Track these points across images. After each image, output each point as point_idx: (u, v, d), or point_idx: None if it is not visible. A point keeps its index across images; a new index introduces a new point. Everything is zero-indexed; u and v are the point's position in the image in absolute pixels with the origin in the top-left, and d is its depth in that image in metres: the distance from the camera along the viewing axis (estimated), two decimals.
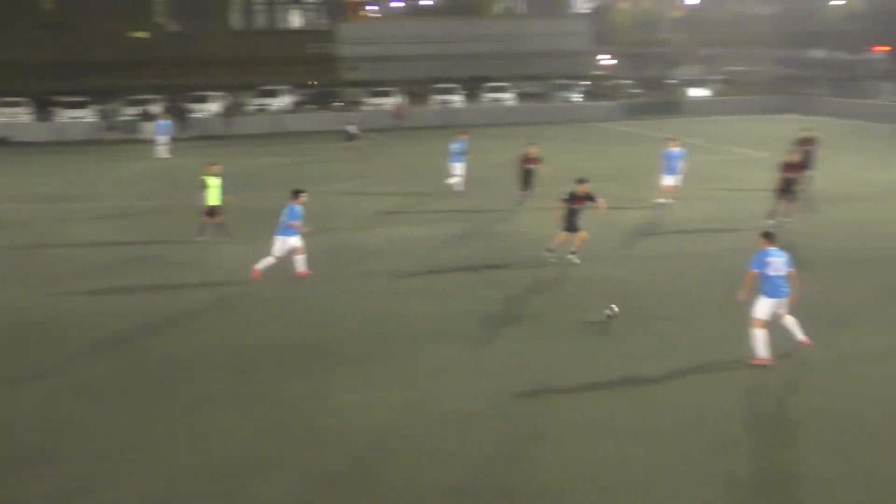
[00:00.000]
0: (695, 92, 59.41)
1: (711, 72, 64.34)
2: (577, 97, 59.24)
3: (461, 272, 18.83)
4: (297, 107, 55.89)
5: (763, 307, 12.98)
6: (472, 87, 59.09)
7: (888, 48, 58.39)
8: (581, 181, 19.13)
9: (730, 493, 9.64)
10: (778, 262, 12.96)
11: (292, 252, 18.21)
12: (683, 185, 25.32)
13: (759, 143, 39.82)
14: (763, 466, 10.19)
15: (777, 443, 10.79)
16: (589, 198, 19.07)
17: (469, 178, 28.35)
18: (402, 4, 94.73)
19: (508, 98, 57.89)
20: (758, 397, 12.20)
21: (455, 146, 28.21)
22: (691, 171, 26.03)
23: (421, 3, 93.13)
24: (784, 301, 13.05)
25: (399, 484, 10.02)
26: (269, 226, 17.61)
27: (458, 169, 28.20)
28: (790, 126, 40.94)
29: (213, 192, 21.63)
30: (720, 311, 15.57)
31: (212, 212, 21.79)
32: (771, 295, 12.96)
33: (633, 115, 53.58)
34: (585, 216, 19.15)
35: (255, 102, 55.59)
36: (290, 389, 12.70)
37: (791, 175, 22.40)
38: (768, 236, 13.34)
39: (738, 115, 53.78)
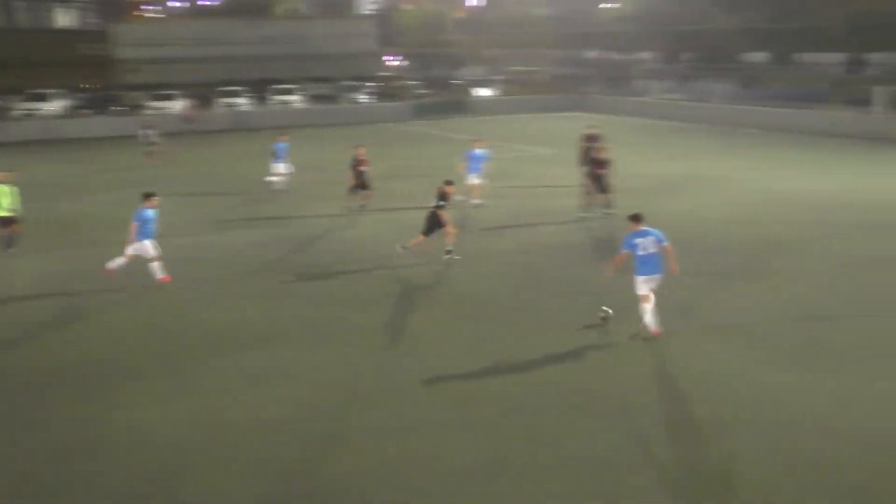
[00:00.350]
0: (480, 92, 60.94)
1: (495, 72, 66.16)
2: (365, 98, 59.40)
3: (268, 276, 18.30)
4: (73, 111, 52.75)
5: (641, 285, 13.68)
6: (260, 89, 57.99)
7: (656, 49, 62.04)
8: (449, 182, 19.07)
9: (538, 482, 9.74)
10: (646, 242, 13.53)
11: (141, 258, 17.42)
12: (486, 184, 25.62)
13: (545, 140, 41.32)
14: (571, 454, 10.34)
15: (589, 431, 11.01)
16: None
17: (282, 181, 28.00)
18: (182, 5, 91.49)
19: (296, 100, 57.25)
20: (566, 385, 12.43)
21: (278, 147, 27.93)
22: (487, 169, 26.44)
23: (202, 3, 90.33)
24: (658, 277, 13.65)
25: (197, 499, 9.49)
26: (63, 237, 16.56)
27: (282, 168, 27.99)
28: (573, 123, 42.70)
29: (4, 202, 20.22)
30: (539, 307, 15.92)
31: (5, 222, 20.38)
32: (642, 273, 13.62)
33: (422, 116, 54.28)
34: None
35: (22, 107, 51.98)
36: (77, 410, 11.78)
37: (600, 170, 23.36)
38: (636, 218, 13.79)
39: (522, 113, 55.63)
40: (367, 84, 61.06)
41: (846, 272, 17.81)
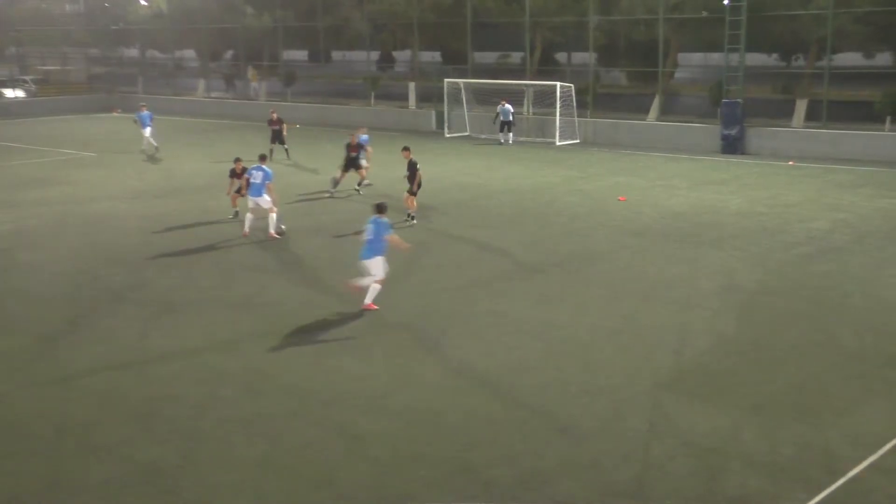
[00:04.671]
0: (10, 93, 56.16)
1: (24, 71, 61.20)
2: None
3: None
4: None
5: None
6: None
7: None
8: (237, 159, 22.36)
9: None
10: (370, 229, 15.06)
11: None
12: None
13: (84, 142, 39.21)
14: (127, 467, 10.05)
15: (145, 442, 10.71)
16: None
17: None
18: None
19: None
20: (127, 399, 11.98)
21: None
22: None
23: None
24: (372, 261, 15.12)
25: None
26: None
27: None
28: (116, 124, 40.95)
29: None
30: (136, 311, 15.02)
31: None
32: (360, 256, 15.24)
33: None
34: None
35: None
36: None
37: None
38: (377, 207, 15.50)
39: (57, 115, 52.22)
40: None
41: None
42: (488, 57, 52.06)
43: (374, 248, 15.07)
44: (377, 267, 15.16)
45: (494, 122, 38.45)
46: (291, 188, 27.27)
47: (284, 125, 33.09)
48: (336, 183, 25.82)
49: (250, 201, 20.58)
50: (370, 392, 11.91)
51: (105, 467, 9.90)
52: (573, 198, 25.55)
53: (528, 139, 38.75)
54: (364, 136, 27.17)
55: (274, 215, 20.62)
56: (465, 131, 41.04)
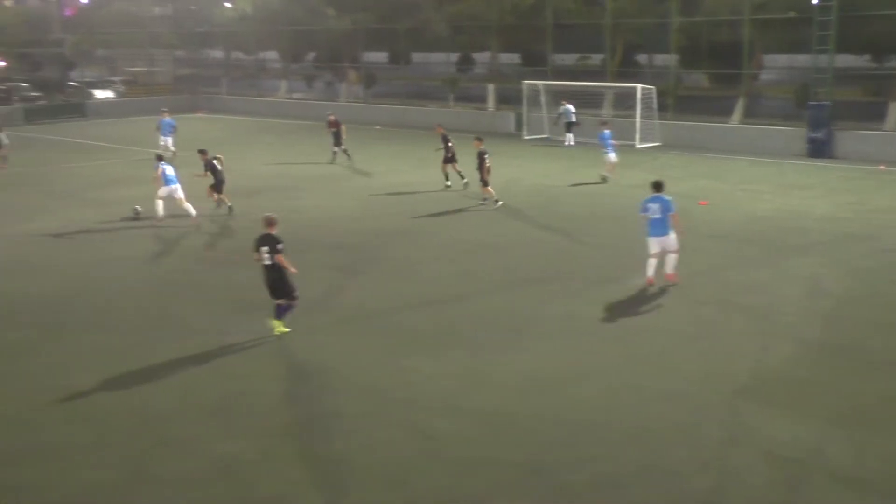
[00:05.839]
0: (100, 94, 57.74)
1: (114, 73, 62.96)
2: None
3: None
4: None
5: (650, 244, 16.13)
6: None
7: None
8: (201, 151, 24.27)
9: (180, 492, 9.52)
10: (655, 208, 15.91)
11: None
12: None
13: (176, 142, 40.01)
14: (215, 459, 10.20)
15: (229, 434, 10.87)
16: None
17: None
18: None
19: None
20: (199, 391, 12.19)
21: None
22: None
23: None
24: (664, 238, 15.98)
25: None
26: None
27: None
28: (199, 125, 41.83)
29: None
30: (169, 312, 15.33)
31: None
32: (650, 234, 16.06)
33: (34, 120, 50.22)
34: None
35: None
36: None
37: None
38: (655, 185, 16.24)
39: (144, 115, 53.42)
40: None
41: (458, 257, 19.11)
42: (568, 59, 51.64)
43: (663, 225, 15.98)
44: (673, 241, 16.13)
45: (556, 123, 38.39)
46: (363, 189, 27.49)
47: (343, 127, 33.06)
48: (464, 179, 26.86)
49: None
50: (444, 392, 11.92)
51: (184, 461, 10.10)
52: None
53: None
54: (608, 133, 28.78)
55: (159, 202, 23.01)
56: (544, 133, 40.81)
